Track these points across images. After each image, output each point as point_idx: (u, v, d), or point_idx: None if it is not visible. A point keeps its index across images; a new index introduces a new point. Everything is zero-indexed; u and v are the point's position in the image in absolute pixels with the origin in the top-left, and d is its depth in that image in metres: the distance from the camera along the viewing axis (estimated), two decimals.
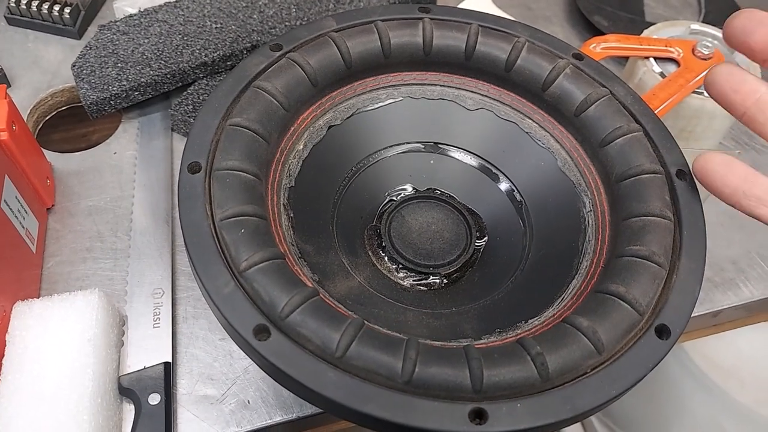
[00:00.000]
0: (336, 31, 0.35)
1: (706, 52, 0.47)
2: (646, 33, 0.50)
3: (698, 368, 0.74)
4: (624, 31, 0.50)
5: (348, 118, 0.36)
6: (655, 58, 0.47)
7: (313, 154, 0.35)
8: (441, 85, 0.38)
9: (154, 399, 0.35)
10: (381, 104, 0.37)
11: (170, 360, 0.36)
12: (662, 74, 0.46)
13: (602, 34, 0.54)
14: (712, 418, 0.75)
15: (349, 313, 0.29)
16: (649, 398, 0.78)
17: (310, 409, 0.36)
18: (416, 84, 0.37)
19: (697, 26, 0.50)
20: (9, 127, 0.37)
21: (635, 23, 0.58)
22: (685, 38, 0.49)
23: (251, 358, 0.28)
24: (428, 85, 0.38)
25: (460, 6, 0.54)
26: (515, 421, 0.25)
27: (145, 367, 0.36)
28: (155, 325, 0.38)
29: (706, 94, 0.45)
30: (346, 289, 0.32)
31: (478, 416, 0.26)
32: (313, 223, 0.34)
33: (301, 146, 0.35)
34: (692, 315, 0.29)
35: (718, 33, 0.50)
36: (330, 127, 0.36)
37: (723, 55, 0.48)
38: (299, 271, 0.30)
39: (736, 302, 0.43)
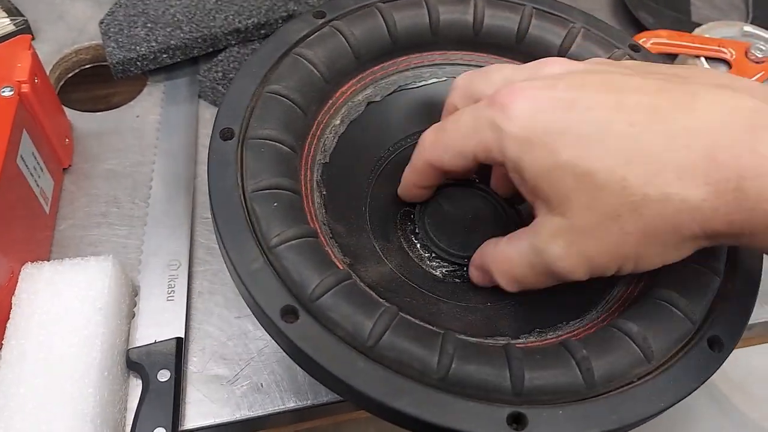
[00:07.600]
0: (383, 2, 0.33)
1: (760, 56, 0.45)
2: (697, 31, 0.48)
3: (709, 380, 0.74)
4: (669, 29, 0.48)
5: (389, 95, 0.35)
6: (706, 58, 0.45)
7: (349, 131, 0.33)
8: None
9: (164, 375, 0.33)
10: (424, 83, 0.35)
11: (183, 335, 0.35)
12: None
13: (646, 30, 0.52)
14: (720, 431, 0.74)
15: (382, 300, 0.27)
16: None
17: (325, 397, 0.34)
18: (462, 64, 0.36)
19: (750, 28, 0.48)
20: (31, 79, 0.36)
21: (680, 22, 0.56)
22: (738, 39, 0.47)
23: (276, 341, 0.26)
24: (475, 65, 0.36)
25: None
26: (556, 429, 0.24)
27: (155, 342, 0.34)
28: (169, 298, 0.36)
29: None
30: (378, 274, 0.30)
31: (516, 421, 0.24)
32: (346, 202, 0.32)
33: (338, 121, 0.33)
34: None
35: None
36: (369, 103, 0.34)
37: None
38: (331, 252, 0.28)
39: None
